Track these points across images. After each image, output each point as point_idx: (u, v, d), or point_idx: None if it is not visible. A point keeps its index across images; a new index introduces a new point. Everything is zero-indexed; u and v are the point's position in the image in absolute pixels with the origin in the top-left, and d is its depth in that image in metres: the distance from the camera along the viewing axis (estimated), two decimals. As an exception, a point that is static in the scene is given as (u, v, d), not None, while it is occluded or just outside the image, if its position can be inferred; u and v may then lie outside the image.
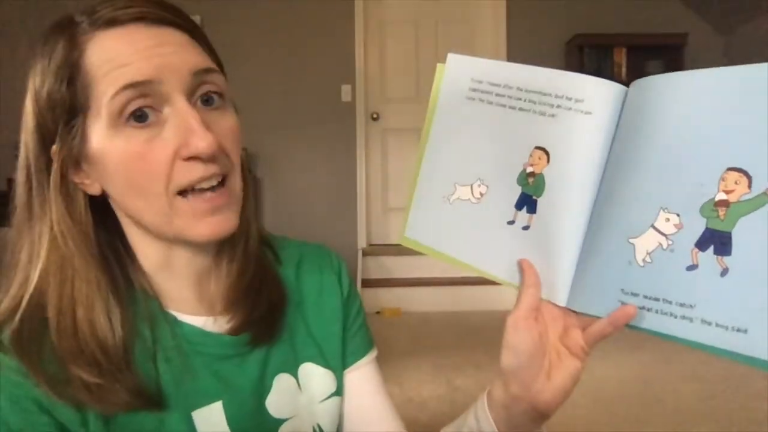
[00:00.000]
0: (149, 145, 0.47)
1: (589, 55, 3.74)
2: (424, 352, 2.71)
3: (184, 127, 0.47)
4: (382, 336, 3.05)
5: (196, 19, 3.61)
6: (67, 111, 0.47)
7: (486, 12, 3.92)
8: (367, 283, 3.62)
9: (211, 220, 0.50)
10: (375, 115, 3.96)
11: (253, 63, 3.77)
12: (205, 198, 0.49)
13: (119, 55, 0.46)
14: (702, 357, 2.59)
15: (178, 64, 0.47)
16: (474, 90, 0.53)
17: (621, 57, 3.76)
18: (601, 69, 3.73)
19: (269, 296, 0.59)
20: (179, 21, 0.50)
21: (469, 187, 0.54)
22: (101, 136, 0.47)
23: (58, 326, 0.48)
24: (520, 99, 0.50)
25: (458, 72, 0.54)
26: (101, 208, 0.52)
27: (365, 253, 3.76)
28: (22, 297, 0.49)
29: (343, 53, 3.85)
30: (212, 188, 0.49)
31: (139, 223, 0.52)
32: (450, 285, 3.52)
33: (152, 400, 0.50)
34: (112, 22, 0.47)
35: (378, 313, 3.53)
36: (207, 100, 0.50)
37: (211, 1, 3.70)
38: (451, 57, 0.55)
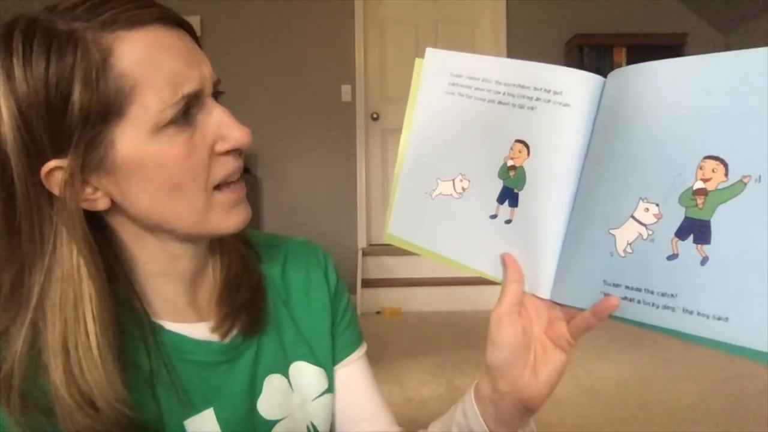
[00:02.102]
0: (191, 143, 0.47)
1: (589, 55, 3.75)
2: (424, 352, 2.71)
3: (219, 122, 0.49)
4: (382, 336, 3.05)
5: (196, 19, 3.62)
6: (91, 118, 0.43)
7: (486, 12, 3.92)
8: (367, 283, 3.62)
9: (240, 210, 0.52)
10: (375, 115, 3.96)
11: (253, 63, 3.78)
12: (235, 189, 0.51)
13: (162, 61, 0.45)
14: (701, 357, 2.59)
15: (207, 71, 0.49)
16: (453, 84, 0.53)
17: (621, 57, 3.76)
18: (601, 69, 3.73)
19: (249, 282, 0.59)
20: (184, 21, 0.50)
21: (451, 182, 0.54)
22: (138, 140, 0.45)
23: (65, 371, 0.44)
24: (499, 92, 0.50)
25: (437, 66, 0.54)
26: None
27: (365, 253, 3.76)
28: (8, 334, 0.45)
29: (343, 53, 3.85)
30: (237, 180, 0.51)
31: (157, 229, 0.50)
32: (450, 285, 3.52)
33: (150, 430, 0.49)
34: (137, 22, 0.45)
35: (378, 313, 3.53)
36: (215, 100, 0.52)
37: (211, 1, 3.70)
38: (430, 51, 0.55)
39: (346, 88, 3.87)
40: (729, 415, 2.02)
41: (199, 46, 0.51)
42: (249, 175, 3.65)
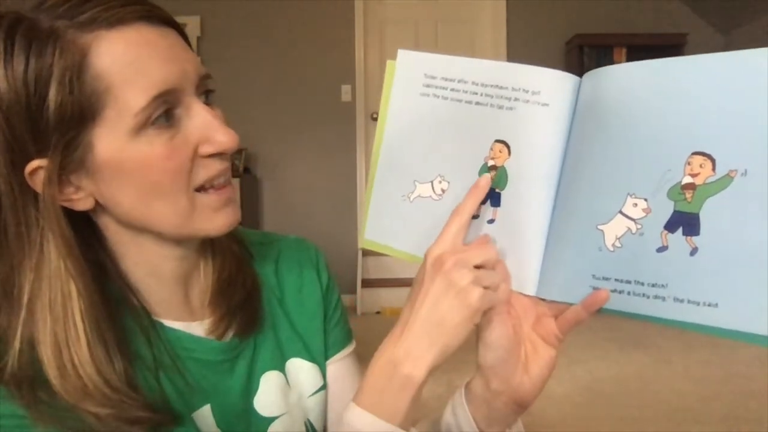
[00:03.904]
0: (172, 144, 0.46)
1: (588, 55, 3.74)
2: (423, 352, 2.70)
3: (203, 124, 0.48)
4: (382, 336, 3.02)
5: (196, 19, 3.62)
6: (67, 120, 0.43)
7: (486, 12, 3.92)
8: (367, 283, 3.62)
9: (227, 211, 0.51)
10: (375, 115, 3.96)
11: (253, 62, 3.78)
12: (221, 191, 0.50)
13: (139, 59, 0.44)
14: (702, 357, 2.59)
15: (191, 69, 0.47)
16: (427, 86, 0.53)
17: (621, 57, 3.75)
18: (601, 69, 3.73)
19: (244, 283, 0.59)
20: (171, 19, 0.49)
21: (430, 184, 0.54)
22: (116, 142, 0.44)
23: (58, 367, 0.44)
24: (476, 93, 0.50)
25: (410, 68, 0.54)
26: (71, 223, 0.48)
27: (365, 253, 3.75)
28: (6, 336, 0.45)
29: (343, 53, 3.85)
30: (223, 182, 0.51)
31: (143, 230, 0.50)
32: (450, 285, 3.51)
33: (164, 417, 0.49)
34: (119, 21, 0.43)
35: (378, 313, 3.53)
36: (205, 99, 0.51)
37: (211, 1, 3.71)
38: (402, 53, 0.54)
39: (346, 88, 3.87)
40: (729, 415, 2.03)
41: (189, 44, 0.50)
42: (249, 175, 3.64)
